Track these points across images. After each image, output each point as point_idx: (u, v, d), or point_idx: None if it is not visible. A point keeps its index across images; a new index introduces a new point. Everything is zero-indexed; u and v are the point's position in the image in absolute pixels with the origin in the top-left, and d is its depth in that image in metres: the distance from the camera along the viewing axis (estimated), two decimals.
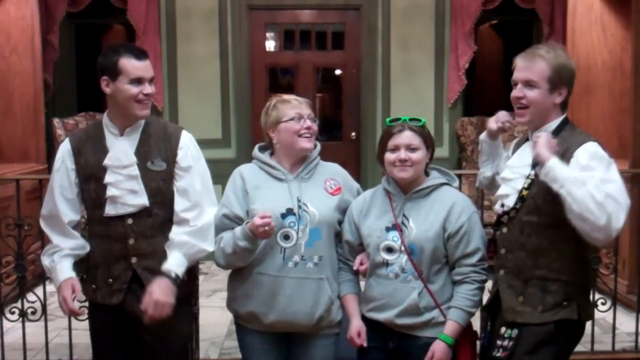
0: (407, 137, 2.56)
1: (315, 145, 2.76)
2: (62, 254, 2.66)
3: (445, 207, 2.54)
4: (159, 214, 2.63)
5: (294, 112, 2.67)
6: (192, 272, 2.81)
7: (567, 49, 5.65)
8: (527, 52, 2.43)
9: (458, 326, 2.50)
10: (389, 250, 2.55)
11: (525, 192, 2.39)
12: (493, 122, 2.65)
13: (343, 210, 2.71)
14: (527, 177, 2.40)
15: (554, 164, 2.24)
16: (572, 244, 2.34)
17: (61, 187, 2.67)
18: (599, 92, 5.74)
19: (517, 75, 2.42)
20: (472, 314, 2.53)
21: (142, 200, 2.59)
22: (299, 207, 2.61)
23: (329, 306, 2.63)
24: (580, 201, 2.16)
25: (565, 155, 2.31)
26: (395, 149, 2.56)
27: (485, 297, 2.67)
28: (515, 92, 2.42)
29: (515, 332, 2.39)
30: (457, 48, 6.43)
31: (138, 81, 2.55)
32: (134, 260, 2.61)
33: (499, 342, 2.43)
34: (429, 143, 2.60)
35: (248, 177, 2.72)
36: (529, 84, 2.38)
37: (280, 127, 2.69)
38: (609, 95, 5.72)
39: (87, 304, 2.82)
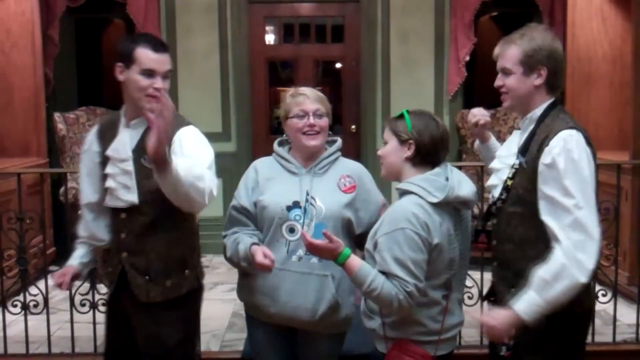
0: (385, 130, 2.47)
1: (335, 142, 2.74)
2: (79, 241, 2.75)
3: (383, 216, 2.37)
4: (150, 213, 2.54)
5: (298, 108, 2.65)
6: (190, 274, 2.68)
7: (566, 39, 5.68)
8: (502, 40, 2.43)
9: (355, 265, 2.24)
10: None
11: (509, 182, 2.36)
12: (473, 127, 2.69)
13: (355, 208, 2.63)
14: (512, 167, 2.37)
15: (523, 313, 2.18)
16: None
17: (88, 167, 2.67)
18: (599, 83, 5.74)
19: (497, 63, 2.42)
20: (363, 285, 2.22)
21: (132, 197, 2.52)
22: (307, 200, 2.59)
23: (333, 305, 2.57)
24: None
25: (543, 143, 2.27)
26: None
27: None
28: (496, 81, 2.43)
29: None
30: (457, 40, 6.42)
31: (150, 73, 2.46)
32: (124, 255, 2.58)
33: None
34: (405, 135, 2.36)
35: (262, 170, 2.72)
36: (504, 71, 2.39)
37: (287, 123, 2.70)
38: (609, 87, 5.73)
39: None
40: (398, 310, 2.25)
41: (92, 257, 2.77)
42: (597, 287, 3.90)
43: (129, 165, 2.53)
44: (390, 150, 2.41)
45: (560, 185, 2.19)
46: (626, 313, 4.41)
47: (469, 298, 3.82)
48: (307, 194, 2.60)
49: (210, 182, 2.41)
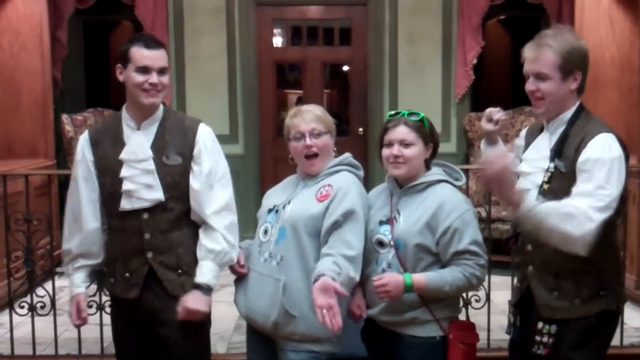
0: (400, 132, 2.51)
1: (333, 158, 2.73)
2: (76, 265, 2.72)
3: (434, 205, 2.46)
4: (175, 208, 2.61)
5: (294, 130, 2.66)
6: None
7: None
8: (533, 42, 2.37)
9: (423, 282, 2.40)
10: (381, 244, 2.53)
11: (546, 186, 2.35)
12: (487, 124, 2.62)
13: (328, 212, 2.54)
14: (547, 171, 2.36)
15: (526, 207, 2.21)
16: (599, 232, 2.28)
17: (84, 178, 2.67)
18: (607, 87, 5.71)
19: (527, 67, 2.37)
20: (444, 290, 2.41)
21: (158, 194, 2.57)
22: (283, 206, 2.61)
23: (284, 313, 2.50)
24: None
25: (580, 146, 2.28)
26: (390, 144, 2.53)
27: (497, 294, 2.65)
28: (528, 86, 2.37)
29: (554, 327, 2.36)
30: (465, 43, 6.42)
31: (145, 70, 2.54)
32: (149, 255, 2.59)
33: (537, 338, 2.40)
34: (428, 138, 2.54)
35: (285, 179, 2.81)
36: (539, 76, 2.34)
37: (289, 146, 2.71)
38: (617, 91, 5.70)
39: (95, 299, 2.84)
40: (477, 286, 2.54)
41: (92, 278, 2.80)
42: None
43: (150, 165, 2.58)
44: (418, 153, 2.52)
45: (589, 176, 2.23)
46: (634, 317, 4.40)
47: (476, 301, 3.81)
48: (288, 201, 2.62)
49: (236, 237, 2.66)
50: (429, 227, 2.44)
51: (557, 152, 2.35)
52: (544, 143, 2.44)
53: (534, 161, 2.45)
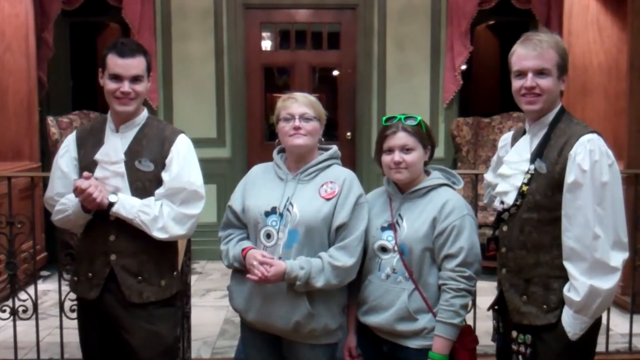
0: (400, 138, 2.50)
1: (328, 149, 2.68)
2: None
3: (437, 207, 2.46)
4: None
5: (285, 112, 2.62)
6: (177, 276, 2.80)
7: None
8: (528, 39, 2.34)
9: (443, 340, 2.40)
10: (383, 249, 2.51)
11: (525, 188, 2.34)
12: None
13: (335, 212, 2.54)
14: (527, 173, 2.35)
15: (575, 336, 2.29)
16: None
17: (68, 167, 2.69)
18: (594, 93, 5.74)
19: (527, 64, 2.32)
20: (455, 325, 2.41)
21: None
22: (285, 206, 2.54)
23: (307, 314, 2.50)
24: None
25: (563, 149, 2.27)
26: (390, 150, 2.52)
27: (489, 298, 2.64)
28: (528, 82, 2.31)
29: (528, 337, 2.35)
30: (453, 48, 6.42)
31: (117, 78, 2.58)
32: (113, 257, 2.61)
33: (514, 347, 2.39)
34: (427, 141, 2.54)
35: (256, 174, 2.71)
36: (542, 72, 2.30)
37: (277, 127, 2.67)
38: (604, 96, 5.73)
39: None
40: (470, 298, 2.48)
41: None
42: None
43: (121, 168, 2.60)
44: (419, 157, 2.53)
45: (586, 196, 2.22)
46: (619, 323, 4.40)
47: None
48: (287, 201, 2.56)
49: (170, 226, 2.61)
50: (433, 230, 2.46)
51: (539, 153, 2.34)
52: (525, 145, 2.43)
53: (514, 163, 2.44)
